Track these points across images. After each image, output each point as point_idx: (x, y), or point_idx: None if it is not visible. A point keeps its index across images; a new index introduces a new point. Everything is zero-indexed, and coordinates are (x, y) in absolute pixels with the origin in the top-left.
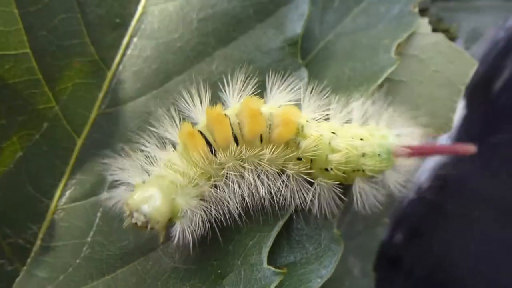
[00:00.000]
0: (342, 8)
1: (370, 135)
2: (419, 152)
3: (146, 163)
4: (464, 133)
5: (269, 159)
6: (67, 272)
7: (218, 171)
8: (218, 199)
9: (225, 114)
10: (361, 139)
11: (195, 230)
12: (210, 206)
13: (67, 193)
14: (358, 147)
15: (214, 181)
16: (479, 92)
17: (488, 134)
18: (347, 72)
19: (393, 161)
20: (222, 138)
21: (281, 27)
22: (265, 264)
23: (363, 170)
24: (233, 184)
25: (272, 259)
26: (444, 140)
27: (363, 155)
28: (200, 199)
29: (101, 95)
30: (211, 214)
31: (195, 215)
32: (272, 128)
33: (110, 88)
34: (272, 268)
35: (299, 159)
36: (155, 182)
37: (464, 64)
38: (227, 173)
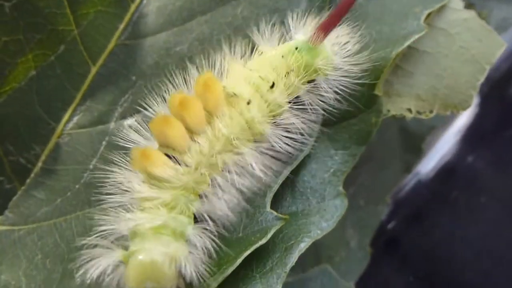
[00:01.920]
0: None
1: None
2: (330, 23)
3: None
4: (475, 129)
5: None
6: (65, 196)
7: (199, 178)
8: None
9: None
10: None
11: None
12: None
13: (75, 118)
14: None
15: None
16: (496, 90)
17: (502, 129)
18: (374, 34)
19: (317, 49)
20: (195, 122)
21: None
22: (268, 208)
23: (293, 71)
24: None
25: (274, 208)
26: (453, 135)
27: (282, 56)
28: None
29: (121, 26)
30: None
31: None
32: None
33: (131, 20)
34: (275, 213)
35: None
36: (142, 243)
37: (492, 44)
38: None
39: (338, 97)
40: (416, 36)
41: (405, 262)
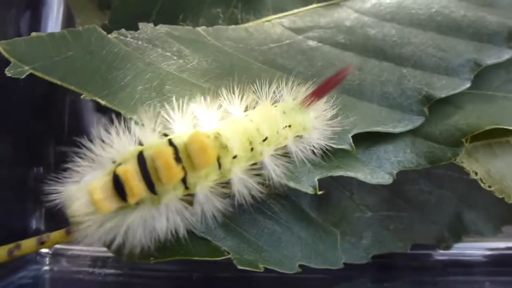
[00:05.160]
0: None
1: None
2: (320, 93)
3: None
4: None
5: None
6: None
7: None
8: None
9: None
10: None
11: None
12: None
13: None
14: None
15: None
16: None
17: None
18: (484, 110)
19: (306, 112)
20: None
21: None
22: None
23: (289, 127)
24: None
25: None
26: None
27: (284, 113)
28: None
29: None
30: None
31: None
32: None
33: None
34: None
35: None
36: None
37: None
38: None
39: (315, 151)
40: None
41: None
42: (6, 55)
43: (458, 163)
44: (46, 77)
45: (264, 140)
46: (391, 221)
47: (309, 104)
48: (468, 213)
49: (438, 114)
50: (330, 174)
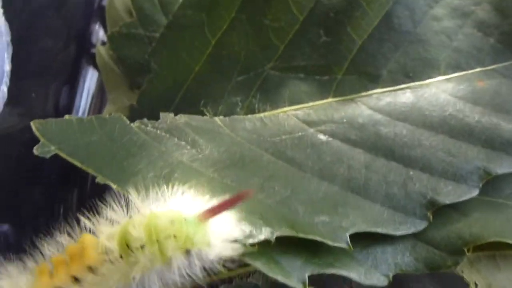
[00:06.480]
0: None
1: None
2: (219, 210)
3: None
4: None
5: None
6: None
7: None
8: None
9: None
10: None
11: None
12: None
13: None
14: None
15: None
16: None
17: None
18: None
19: (201, 226)
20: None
21: None
22: None
23: (174, 237)
24: None
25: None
26: None
27: (171, 221)
28: None
29: None
30: None
31: None
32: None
33: None
34: None
35: None
36: None
37: None
38: None
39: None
40: None
41: None
42: (37, 133)
43: (458, 272)
44: (69, 159)
45: (142, 247)
46: None
47: (204, 218)
48: None
49: (442, 219)
50: (322, 271)
